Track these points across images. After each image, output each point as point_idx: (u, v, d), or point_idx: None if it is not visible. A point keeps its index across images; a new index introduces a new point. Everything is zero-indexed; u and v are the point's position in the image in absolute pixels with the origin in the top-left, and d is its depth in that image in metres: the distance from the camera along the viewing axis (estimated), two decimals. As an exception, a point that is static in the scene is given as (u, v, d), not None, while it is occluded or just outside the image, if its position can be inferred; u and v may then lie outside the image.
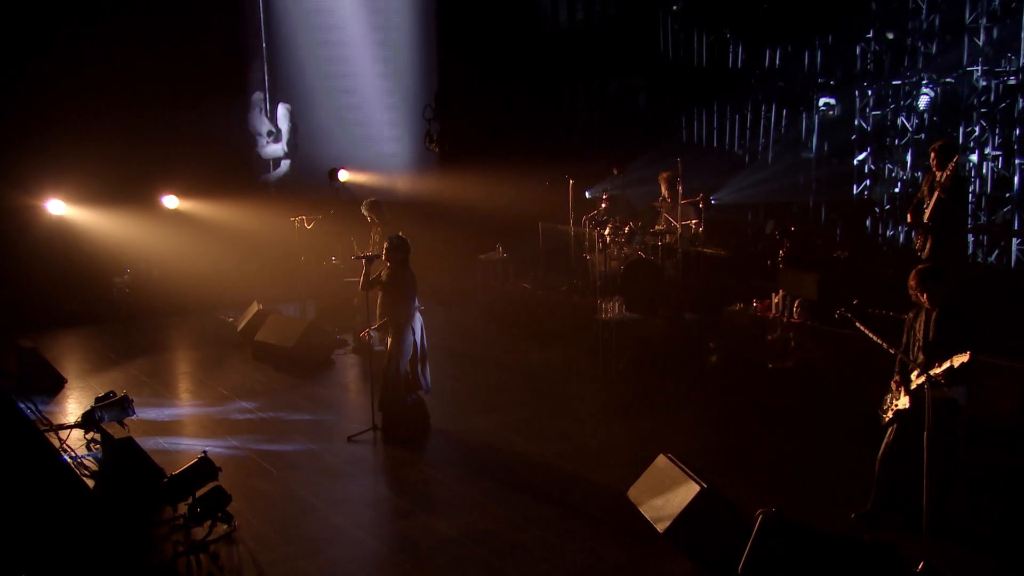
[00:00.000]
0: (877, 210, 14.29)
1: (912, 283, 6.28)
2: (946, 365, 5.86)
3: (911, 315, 6.42)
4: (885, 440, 6.45)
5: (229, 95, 17.47)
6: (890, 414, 6.38)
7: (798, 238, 10.73)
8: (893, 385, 6.44)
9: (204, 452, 6.89)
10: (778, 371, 9.27)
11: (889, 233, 14.21)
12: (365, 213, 11.55)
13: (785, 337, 9.36)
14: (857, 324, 6.16)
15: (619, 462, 7.92)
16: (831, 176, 15.04)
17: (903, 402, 6.25)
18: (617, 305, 10.57)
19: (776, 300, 9.60)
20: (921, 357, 6.22)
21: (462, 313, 13.59)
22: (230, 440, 8.73)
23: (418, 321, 8.69)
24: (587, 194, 14.44)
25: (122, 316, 13.89)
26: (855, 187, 14.55)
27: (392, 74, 17.34)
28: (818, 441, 8.25)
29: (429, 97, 16.80)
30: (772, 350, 9.47)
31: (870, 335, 6.11)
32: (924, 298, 6.24)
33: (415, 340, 8.69)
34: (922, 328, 6.27)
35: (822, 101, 14.85)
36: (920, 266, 6.34)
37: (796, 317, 9.38)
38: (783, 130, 15.79)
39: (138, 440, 8.36)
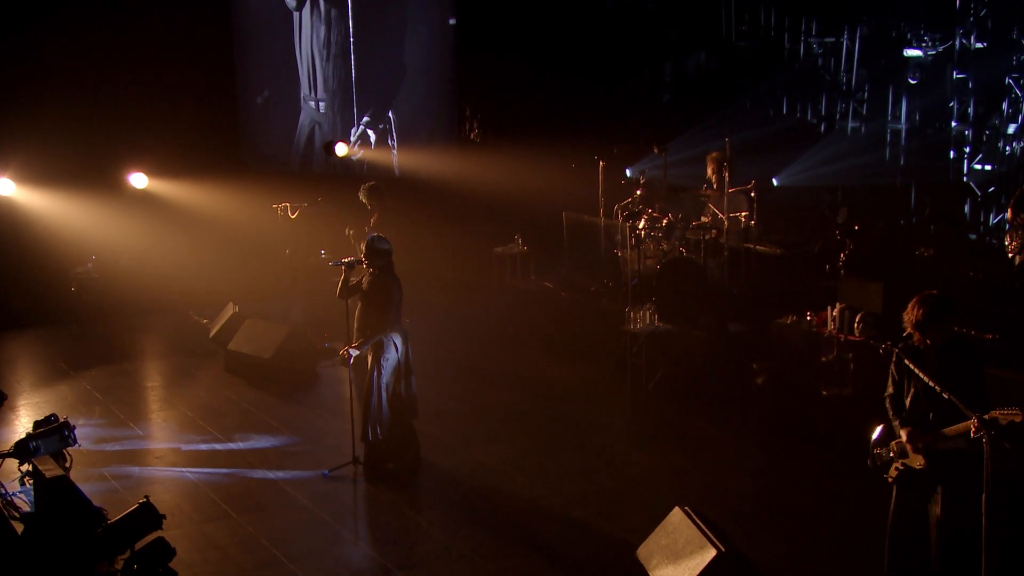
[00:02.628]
0: (979, 193, 14.08)
1: (915, 314, 6.07)
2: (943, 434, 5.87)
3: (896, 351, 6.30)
4: (892, 504, 6.42)
5: (211, 57, 17.58)
6: (893, 473, 6.34)
7: (864, 237, 10.61)
8: (896, 429, 6.37)
9: (146, 497, 7.06)
10: (834, 399, 9.23)
11: (994, 220, 13.99)
12: (363, 200, 11.66)
13: (843, 359, 9.31)
14: (906, 362, 6.13)
15: (639, 507, 7.99)
16: (924, 149, 14.83)
17: (914, 461, 6.21)
18: (648, 314, 10.58)
19: (834, 313, 9.54)
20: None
21: (472, 316, 13.71)
22: (187, 473, 8.93)
23: (402, 336, 8.78)
24: (628, 172, 14.41)
25: (81, 315, 14.16)
26: (951, 164, 14.32)
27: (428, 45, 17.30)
28: (879, 487, 8.19)
29: (450, 73, 16.80)
30: (827, 373, 9.42)
31: (922, 376, 6.07)
32: (929, 333, 6.06)
33: (399, 358, 8.79)
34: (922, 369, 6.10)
35: (914, 57, 14.63)
36: (924, 293, 6.14)
37: (857, 334, 9.31)
38: (866, 93, 15.59)
39: (83, 471, 8.69)
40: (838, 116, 15.90)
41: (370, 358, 8.83)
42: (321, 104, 17.81)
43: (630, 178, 13.92)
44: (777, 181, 14.67)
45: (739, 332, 10.61)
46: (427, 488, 8.72)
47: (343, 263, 8.98)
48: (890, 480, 6.43)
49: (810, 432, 9.23)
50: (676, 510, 6.83)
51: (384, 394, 8.75)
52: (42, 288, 14.75)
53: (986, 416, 5.63)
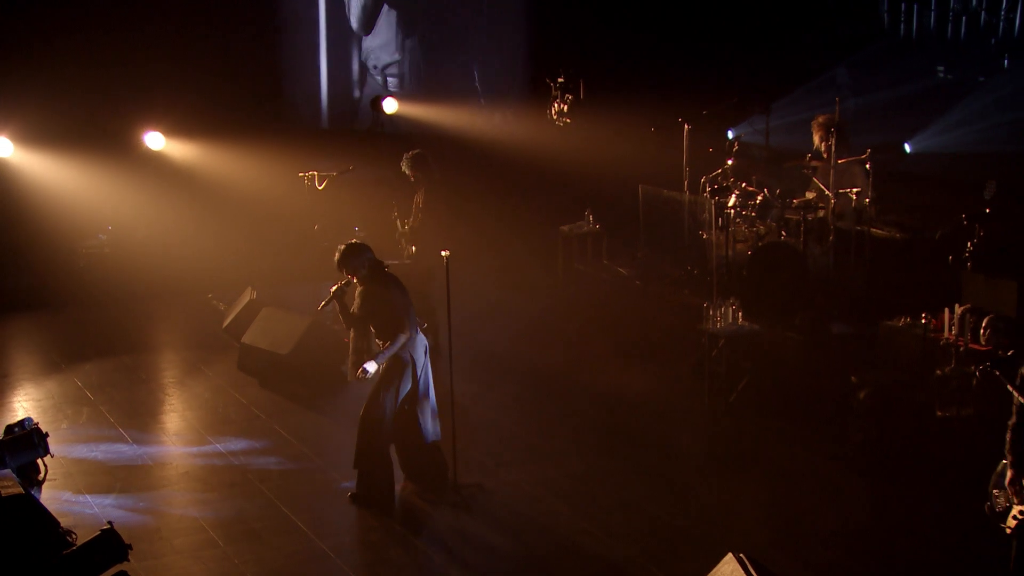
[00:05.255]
0: None
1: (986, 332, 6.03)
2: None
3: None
4: (1012, 561, 6.26)
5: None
6: (1012, 523, 6.17)
7: (999, 221, 10.25)
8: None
9: (110, 523, 7.15)
10: (951, 422, 8.96)
11: None
12: (407, 171, 11.77)
13: (963, 373, 9.03)
14: (1008, 388, 5.92)
15: (698, 549, 7.83)
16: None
17: (1017, 510, 6.03)
18: (731, 310, 10.40)
19: (955, 316, 9.25)
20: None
21: (530, 305, 13.71)
22: (175, 493, 9.06)
23: (420, 345, 8.74)
24: (730, 134, 14.18)
25: (88, 296, 14.43)
26: None
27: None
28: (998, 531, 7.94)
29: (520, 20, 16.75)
30: (944, 390, 9.14)
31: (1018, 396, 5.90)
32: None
33: (406, 375, 8.71)
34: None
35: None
36: (992, 315, 6.03)
37: (983, 343, 9.02)
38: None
39: (58, 485, 8.89)
40: (998, 67, 15.45)
41: (378, 379, 8.74)
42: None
43: (729, 141, 13.71)
44: (911, 147, 14.30)
45: (842, 335, 10.36)
46: (448, 517, 8.66)
47: (331, 292, 8.78)
48: (1008, 531, 6.29)
49: (921, 461, 8.98)
50: (728, 557, 6.65)
51: (387, 414, 8.70)
52: (44, 264, 15.03)
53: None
